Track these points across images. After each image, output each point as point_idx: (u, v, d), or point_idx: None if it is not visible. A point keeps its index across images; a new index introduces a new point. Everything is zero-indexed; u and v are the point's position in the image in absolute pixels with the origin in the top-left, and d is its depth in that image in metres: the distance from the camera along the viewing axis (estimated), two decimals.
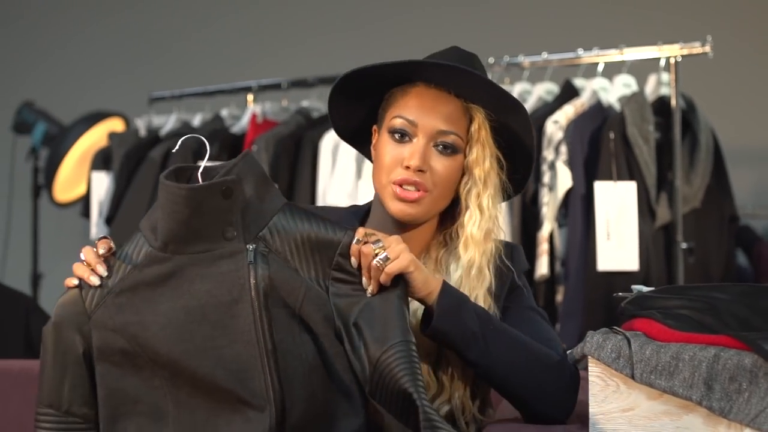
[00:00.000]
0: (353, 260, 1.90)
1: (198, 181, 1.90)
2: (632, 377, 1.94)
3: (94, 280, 1.87)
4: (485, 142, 2.03)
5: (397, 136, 2.03)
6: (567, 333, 3.39)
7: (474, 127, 2.03)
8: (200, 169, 1.91)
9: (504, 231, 2.11)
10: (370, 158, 2.18)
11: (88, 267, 1.88)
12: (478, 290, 2.02)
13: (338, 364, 1.90)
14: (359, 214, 2.16)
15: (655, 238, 3.52)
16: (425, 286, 1.92)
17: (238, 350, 1.85)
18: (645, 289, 2.20)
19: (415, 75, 2.03)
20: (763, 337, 1.90)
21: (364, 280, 1.89)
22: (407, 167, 2.01)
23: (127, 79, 5.49)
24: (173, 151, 2.06)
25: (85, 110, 4.89)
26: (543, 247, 3.49)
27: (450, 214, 2.11)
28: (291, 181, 3.96)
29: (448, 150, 2.02)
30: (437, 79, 2.02)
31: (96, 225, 4.33)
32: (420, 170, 2.01)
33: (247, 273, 1.86)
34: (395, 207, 2.03)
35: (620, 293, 2.20)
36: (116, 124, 4.81)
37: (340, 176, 3.82)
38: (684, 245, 3.50)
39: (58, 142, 4.83)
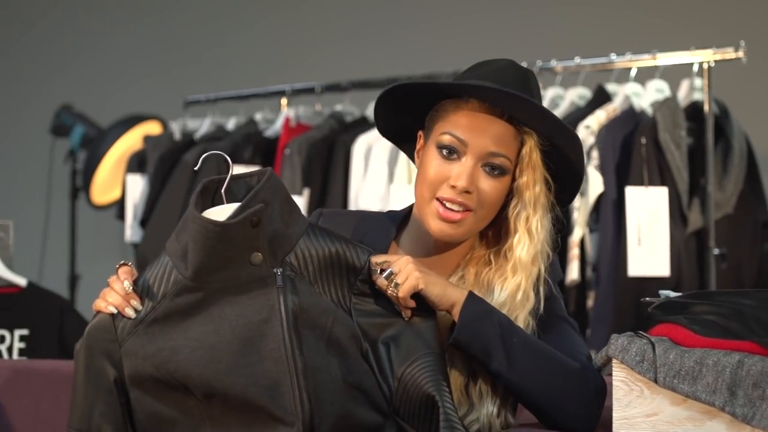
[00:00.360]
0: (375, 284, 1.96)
1: (222, 199, 1.94)
2: (655, 381, 1.94)
3: (130, 313, 1.89)
4: (536, 166, 2.01)
5: (445, 152, 2.01)
6: (597, 338, 3.38)
7: (525, 150, 2.01)
8: (224, 185, 1.94)
9: (551, 251, 2.07)
10: (408, 155, 2.18)
11: (122, 299, 1.89)
12: (520, 312, 2.01)
13: (367, 383, 1.93)
14: (396, 220, 2.15)
15: (687, 244, 3.51)
16: (445, 299, 1.95)
17: (268, 367, 1.88)
18: (672, 294, 2.20)
19: (468, 92, 2.01)
20: None
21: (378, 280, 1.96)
22: (453, 186, 1.99)
23: (162, 83, 5.53)
24: (195, 169, 2.08)
25: (121, 113, 4.93)
26: (574, 252, 3.48)
27: (494, 232, 2.09)
28: (324, 185, 3.98)
29: (496, 172, 2.00)
30: (491, 99, 2.00)
31: (131, 227, 4.37)
32: (467, 191, 1.99)
33: (276, 295, 1.90)
34: (435, 226, 2.02)
35: (648, 298, 2.20)
36: (153, 128, 4.85)
37: (373, 180, 3.83)
38: (716, 251, 3.48)
39: (96, 144, 4.87)
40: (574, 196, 2.11)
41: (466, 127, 2.00)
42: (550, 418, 1.99)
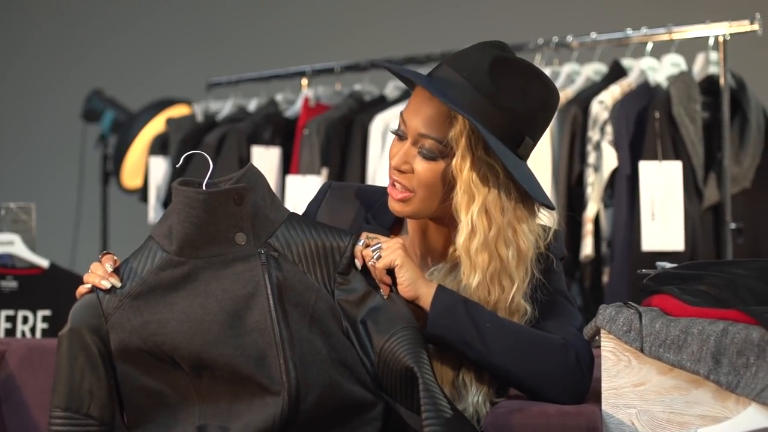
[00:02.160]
0: (357, 262, 2.00)
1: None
2: (641, 350, 1.94)
3: (105, 284, 1.93)
4: (466, 151, 1.97)
5: (397, 134, 2.05)
6: None
7: (453, 133, 1.97)
8: (204, 182, 1.97)
9: (536, 236, 2.04)
10: None
11: (99, 276, 1.94)
12: (488, 301, 2.01)
13: (351, 360, 1.96)
14: None
15: (704, 219, 3.49)
16: (412, 286, 1.98)
17: (255, 338, 1.91)
18: (668, 265, 2.19)
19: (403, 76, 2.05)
20: None
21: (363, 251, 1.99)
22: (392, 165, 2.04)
23: (186, 66, 5.58)
24: (177, 166, 2.13)
25: (148, 97, 4.98)
26: (588, 228, 3.47)
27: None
28: (342, 164, 3.99)
29: (427, 154, 2.00)
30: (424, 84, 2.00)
31: (153, 209, 4.41)
32: (400, 171, 2.02)
33: (261, 272, 1.94)
34: (389, 203, 2.07)
35: (644, 270, 2.20)
36: (182, 111, 4.88)
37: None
38: (733, 225, 3.46)
39: (126, 129, 4.92)
40: (528, 195, 2.01)
41: (409, 108, 2.03)
42: (538, 395, 2.00)
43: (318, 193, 2.22)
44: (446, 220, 2.08)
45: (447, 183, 2.01)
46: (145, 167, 4.55)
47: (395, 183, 2.04)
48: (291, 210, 2.05)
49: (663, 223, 3.37)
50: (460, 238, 2.00)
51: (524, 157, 2.03)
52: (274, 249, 1.97)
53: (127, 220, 5.60)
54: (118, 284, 1.94)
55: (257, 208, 1.97)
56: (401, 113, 2.05)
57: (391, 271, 1.99)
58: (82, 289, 1.97)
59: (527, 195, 2.00)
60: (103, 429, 1.93)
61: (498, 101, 1.96)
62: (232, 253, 1.94)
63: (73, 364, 1.93)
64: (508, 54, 2.01)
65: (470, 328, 1.97)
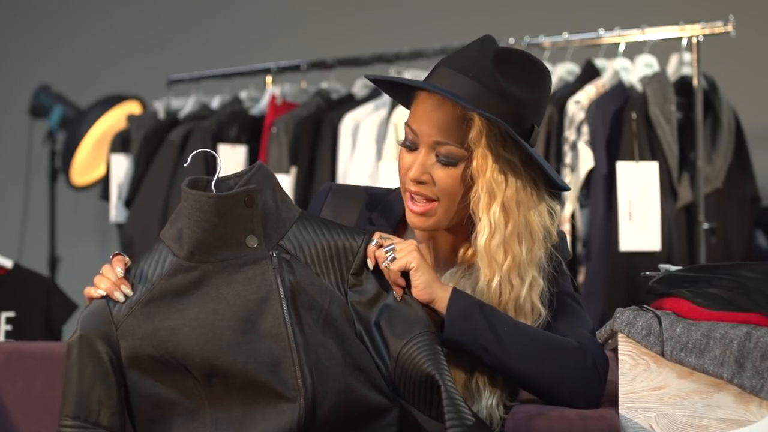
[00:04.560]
0: (369, 262, 1.97)
1: (213, 192, 1.95)
2: (662, 354, 1.94)
3: (119, 297, 1.90)
4: (486, 150, 1.96)
5: (407, 144, 2.03)
6: (589, 313, 3.35)
7: (472, 135, 1.96)
8: (213, 181, 1.95)
9: (545, 232, 2.04)
10: None
11: (113, 284, 1.91)
12: (500, 302, 2.00)
13: (365, 363, 1.93)
14: (402, 201, 2.14)
15: (677, 219, 3.51)
16: (428, 290, 1.96)
17: (269, 344, 1.88)
18: (672, 268, 2.20)
19: (415, 86, 2.03)
20: None
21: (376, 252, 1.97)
22: (409, 178, 2.01)
23: (145, 62, 5.48)
24: (185, 165, 2.07)
25: (103, 93, 4.89)
26: (565, 228, 3.47)
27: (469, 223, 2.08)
28: (311, 163, 3.95)
29: (447, 161, 1.99)
30: (432, 90, 1.98)
31: (115, 207, 4.32)
32: (420, 182, 2.00)
33: (273, 275, 1.91)
34: (409, 218, 2.04)
35: (647, 272, 2.20)
36: (133, 107, 4.81)
37: (361, 157, 3.81)
38: (706, 225, 3.49)
39: (75, 125, 4.83)
40: (547, 179, 2.03)
41: (417, 116, 2.01)
42: (552, 398, 1.99)
43: (318, 195, 2.19)
44: (455, 225, 2.06)
45: (466, 186, 2.00)
46: (106, 164, 4.46)
47: (414, 196, 2.01)
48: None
49: (640, 223, 3.39)
50: (482, 238, 1.99)
51: (534, 144, 2.04)
52: (285, 251, 1.94)
53: (77, 218, 5.51)
54: (130, 293, 1.91)
55: (268, 209, 1.94)
56: (407, 124, 2.02)
57: (405, 273, 1.97)
58: (92, 293, 1.93)
59: (539, 188, 2.01)
60: None
61: (508, 95, 1.96)
62: (244, 257, 1.91)
63: (83, 371, 1.89)
64: (503, 46, 2.01)
65: (487, 332, 1.95)
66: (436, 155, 1.99)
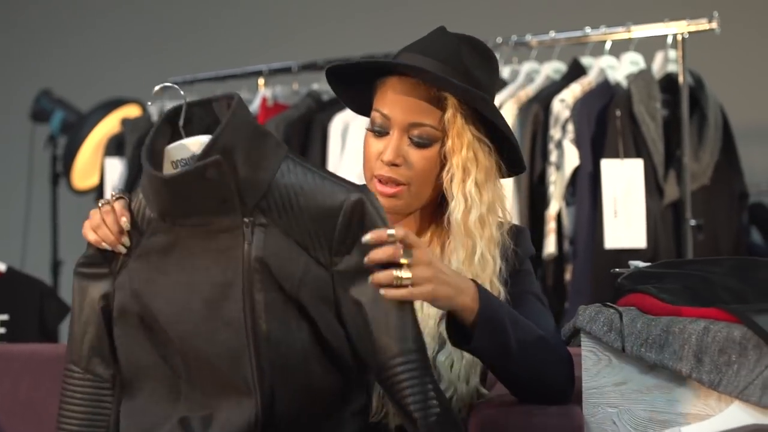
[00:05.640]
0: (369, 236, 1.74)
1: (182, 133, 1.80)
2: (623, 350, 1.95)
3: (121, 249, 1.82)
4: (462, 130, 2.00)
5: (375, 130, 2.03)
6: (575, 311, 3.37)
7: (447, 115, 1.99)
8: (182, 120, 1.81)
9: (508, 213, 2.08)
10: None
11: (116, 238, 1.82)
12: (483, 277, 1.99)
13: (337, 344, 1.82)
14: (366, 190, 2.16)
15: (664, 216, 3.52)
16: (450, 303, 1.83)
17: (230, 335, 1.78)
18: (642, 264, 2.21)
19: (384, 67, 2.03)
20: (752, 310, 1.90)
21: (378, 274, 1.75)
22: (383, 161, 2.01)
23: (140, 66, 5.52)
24: (149, 104, 2.01)
25: (100, 98, 4.91)
26: (551, 226, 3.49)
27: (443, 202, 2.08)
28: None
29: (422, 141, 2.01)
30: (405, 72, 2.00)
31: None
32: (394, 164, 2.01)
33: (241, 253, 1.76)
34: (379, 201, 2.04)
35: (617, 269, 2.21)
36: (132, 111, 4.83)
37: (350, 158, 3.83)
38: (693, 222, 3.49)
39: (76, 129, 4.86)
40: (517, 158, 2.06)
41: (389, 101, 2.02)
42: (530, 394, 1.97)
43: None
44: (420, 209, 2.08)
45: (439, 166, 2.03)
46: (100, 168, 4.49)
47: (383, 179, 2.02)
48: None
49: (625, 221, 3.40)
50: (458, 213, 1.99)
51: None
52: (263, 215, 1.76)
53: (78, 221, 5.52)
54: (128, 245, 1.82)
55: (241, 173, 1.73)
56: (376, 108, 2.03)
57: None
58: (91, 237, 1.83)
59: (499, 170, 2.05)
60: (105, 386, 1.89)
61: (474, 78, 2.01)
62: (217, 223, 1.76)
63: (79, 317, 1.87)
64: (463, 34, 2.06)
65: (511, 339, 1.88)
66: (410, 137, 2.01)
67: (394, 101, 2.01)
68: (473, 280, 1.87)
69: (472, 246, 2.00)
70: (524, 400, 1.99)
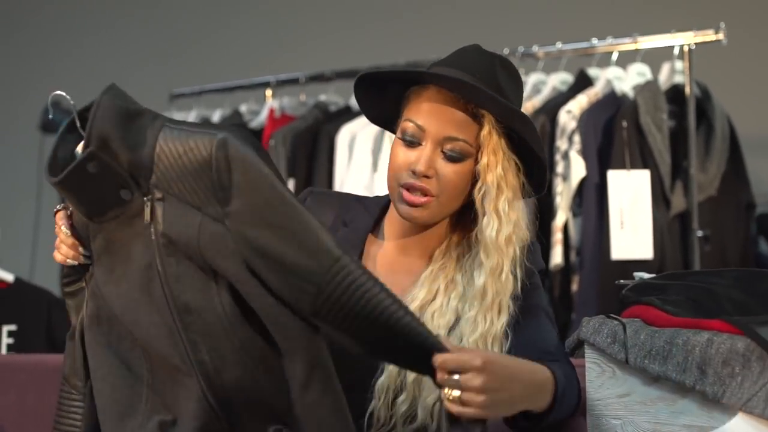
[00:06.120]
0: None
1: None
2: (626, 361, 1.95)
3: (83, 260, 1.84)
4: (497, 148, 2.00)
5: (407, 140, 2.02)
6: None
7: (484, 132, 2.00)
8: (72, 124, 1.81)
9: (528, 232, 2.07)
10: None
11: (74, 252, 1.84)
12: (503, 296, 1.99)
13: (260, 302, 1.72)
14: (381, 204, 2.16)
15: (671, 227, 3.51)
16: (522, 408, 1.82)
17: (160, 315, 1.75)
18: (647, 276, 2.21)
19: (428, 78, 2.02)
20: (755, 321, 1.90)
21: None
22: (414, 172, 2.00)
23: (148, 77, 5.53)
24: (50, 117, 2.02)
25: None
26: (557, 237, 3.49)
27: (466, 218, 2.09)
28: (308, 174, 3.99)
29: (455, 156, 2.00)
30: (446, 85, 2.00)
31: None
32: (425, 176, 2.00)
33: (150, 233, 1.74)
34: (402, 209, 2.03)
35: (622, 281, 2.21)
36: None
37: (357, 169, 3.84)
38: (700, 233, 3.49)
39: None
40: (543, 180, 2.08)
41: (425, 113, 2.01)
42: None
43: (298, 199, 2.21)
44: (442, 221, 2.08)
45: (469, 182, 2.03)
46: None
47: (411, 188, 2.01)
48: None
49: (632, 232, 3.40)
50: (491, 230, 1.99)
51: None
52: (157, 189, 1.72)
53: None
54: (87, 252, 1.82)
55: (123, 156, 1.70)
56: (410, 119, 2.02)
57: None
58: (57, 258, 1.86)
59: (524, 190, 2.05)
60: (78, 398, 1.90)
61: (506, 97, 2.02)
62: (127, 211, 1.74)
63: (71, 332, 1.89)
64: (494, 52, 2.06)
65: (558, 416, 1.89)
66: (443, 151, 2.01)
67: (430, 113, 2.01)
68: (549, 368, 1.85)
69: (500, 263, 2.00)
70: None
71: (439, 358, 1.68)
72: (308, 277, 1.67)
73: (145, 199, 1.73)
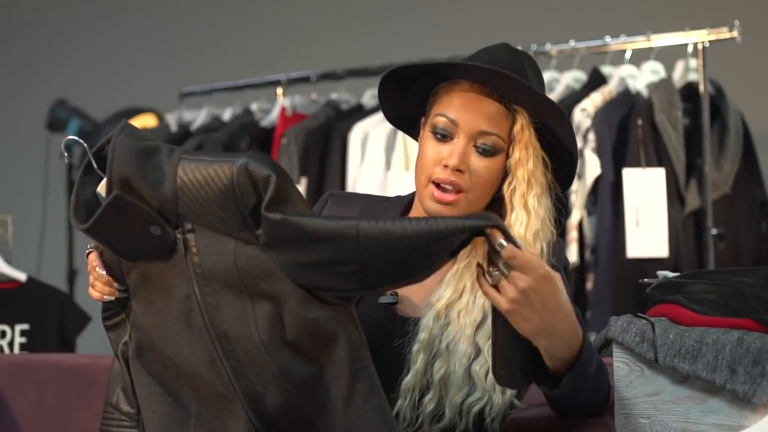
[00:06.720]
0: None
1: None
2: (656, 360, 1.95)
3: (120, 294, 1.86)
4: (528, 143, 1.99)
5: (438, 134, 2.01)
6: (597, 320, 3.39)
7: (517, 128, 1.99)
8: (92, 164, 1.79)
9: (554, 230, 2.05)
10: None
11: (109, 288, 1.87)
12: None
13: (303, 313, 1.74)
14: (401, 205, 2.15)
15: (685, 225, 3.52)
16: (541, 344, 1.80)
17: (202, 346, 1.78)
18: (671, 274, 2.21)
19: (460, 73, 2.01)
20: None
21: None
22: (446, 166, 1.99)
23: (158, 75, 5.53)
24: (66, 161, 2.02)
25: (117, 106, 4.92)
26: (572, 235, 3.49)
27: (495, 212, 2.05)
28: (321, 173, 3.98)
29: (488, 150, 1.99)
30: (481, 79, 1.99)
31: None
32: (458, 170, 1.99)
33: (185, 265, 1.76)
34: (431, 206, 2.01)
35: (647, 279, 2.21)
36: (148, 120, 4.84)
37: (369, 167, 3.83)
38: (714, 231, 3.49)
39: (92, 138, 4.86)
40: (571, 177, 2.08)
41: (457, 107, 2.00)
42: (577, 416, 1.96)
43: (319, 203, 2.20)
44: None
45: (500, 177, 2.02)
46: None
47: (443, 185, 2.00)
48: None
49: (647, 230, 3.40)
50: (519, 226, 1.98)
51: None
52: (188, 222, 1.74)
53: None
54: (122, 287, 1.85)
55: (147, 194, 1.71)
56: (441, 114, 2.01)
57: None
58: (94, 296, 1.88)
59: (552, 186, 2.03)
60: (131, 425, 1.91)
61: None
62: (159, 247, 1.75)
63: (114, 362, 1.92)
64: (521, 49, 2.06)
65: (582, 395, 1.87)
66: (476, 145, 2.00)
67: (463, 107, 2.00)
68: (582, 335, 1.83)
69: None
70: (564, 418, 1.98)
71: (510, 250, 1.66)
72: (345, 259, 1.68)
73: (176, 231, 1.74)
